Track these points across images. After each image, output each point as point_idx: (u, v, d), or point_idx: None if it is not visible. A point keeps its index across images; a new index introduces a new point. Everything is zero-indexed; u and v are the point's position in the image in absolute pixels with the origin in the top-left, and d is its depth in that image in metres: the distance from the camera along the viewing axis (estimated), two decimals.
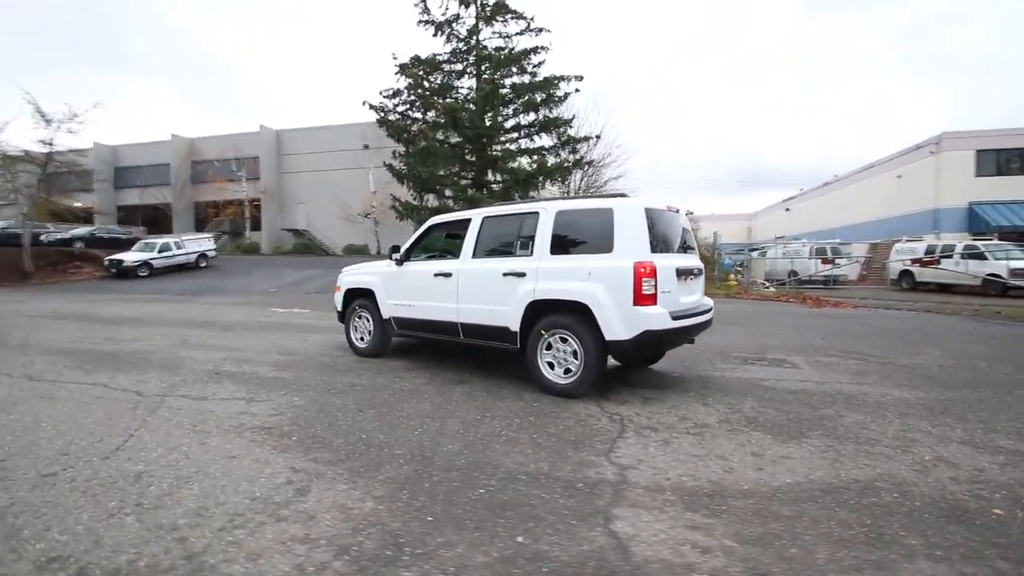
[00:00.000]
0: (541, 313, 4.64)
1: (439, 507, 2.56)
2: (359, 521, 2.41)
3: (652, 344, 4.26)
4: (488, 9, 21.39)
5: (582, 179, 26.43)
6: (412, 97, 21.27)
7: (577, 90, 21.97)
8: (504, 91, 21.03)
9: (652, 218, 4.43)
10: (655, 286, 4.21)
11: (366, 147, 35.26)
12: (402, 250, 5.86)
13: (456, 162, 22.11)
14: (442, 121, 20.45)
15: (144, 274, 22.30)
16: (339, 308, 6.65)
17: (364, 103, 21.27)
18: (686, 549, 2.21)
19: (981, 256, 18.19)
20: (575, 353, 4.47)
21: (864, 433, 3.65)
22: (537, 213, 4.84)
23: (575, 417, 3.97)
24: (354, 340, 6.44)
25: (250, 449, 3.29)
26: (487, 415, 4.02)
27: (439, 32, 22.04)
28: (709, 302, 5.22)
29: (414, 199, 22.07)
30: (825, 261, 21.75)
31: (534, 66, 21.72)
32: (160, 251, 23.26)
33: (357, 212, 34.14)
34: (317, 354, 6.49)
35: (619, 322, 4.20)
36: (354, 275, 6.55)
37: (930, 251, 19.66)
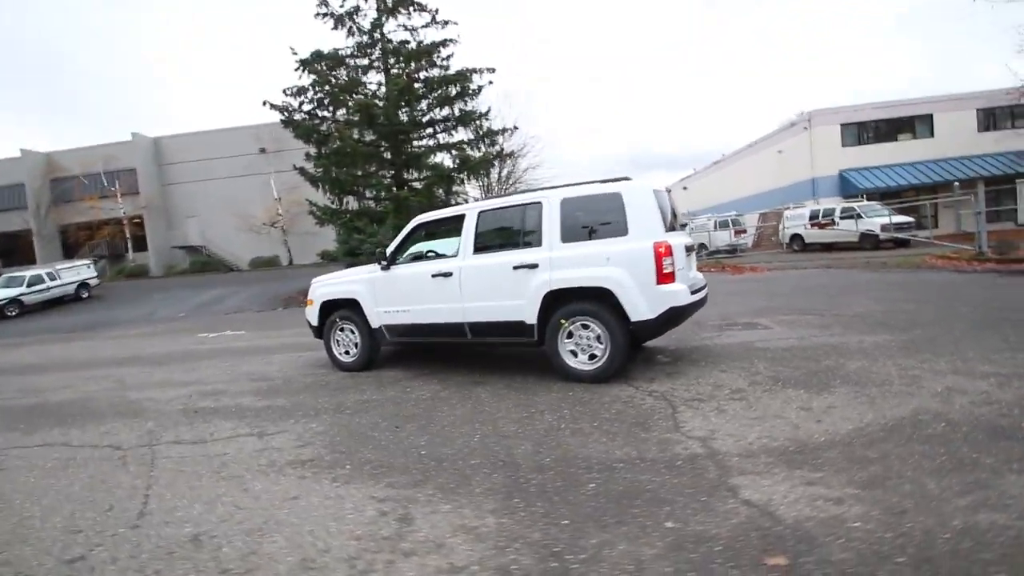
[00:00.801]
0: (558, 302, 4.60)
1: (565, 509, 2.45)
2: (496, 539, 2.25)
3: (674, 320, 4.40)
4: (390, 1, 20.63)
5: (502, 171, 26.50)
6: (319, 94, 19.98)
7: (491, 82, 21.93)
8: (418, 85, 20.46)
9: (656, 199, 4.55)
10: (673, 264, 4.35)
11: (262, 151, 32.79)
12: (388, 253, 5.50)
13: (374, 161, 21.22)
14: (356, 119, 19.45)
15: (13, 313, 19.01)
16: (314, 323, 6.12)
17: (264, 103, 19.61)
18: (821, 503, 2.32)
19: (857, 216, 20.93)
20: (599, 338, 4.49)
21: (873, 377, 4.06)
22: (540, 203, 4.77)
23: (618, 400, 4.00)
24: (338, 355, 5.97)
25: (307, 486, 2.93)
26: (532, 411, 3.92)
27: (339, 25, 20.89)
28: (703, 277, 5.50)
29: (332, 203, 20.89)
30: (738, 232, 23.77)
31: (443, 59, 21.31)
32: (30, 285, 19.94)
33: (261, 222, 31.62)
34: (297, 375, 5.93)
35: (644, 302, 4.29)
36: (330, 285, 6.06)
37: (814, 215, 22.23)
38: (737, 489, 2.51)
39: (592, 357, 4.54)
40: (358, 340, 5.79)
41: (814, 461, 2.73)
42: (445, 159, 22.19)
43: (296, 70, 19.86)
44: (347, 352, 5.92)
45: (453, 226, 5.88)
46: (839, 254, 18.69)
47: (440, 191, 22.26)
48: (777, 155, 30.62)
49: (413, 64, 20.69)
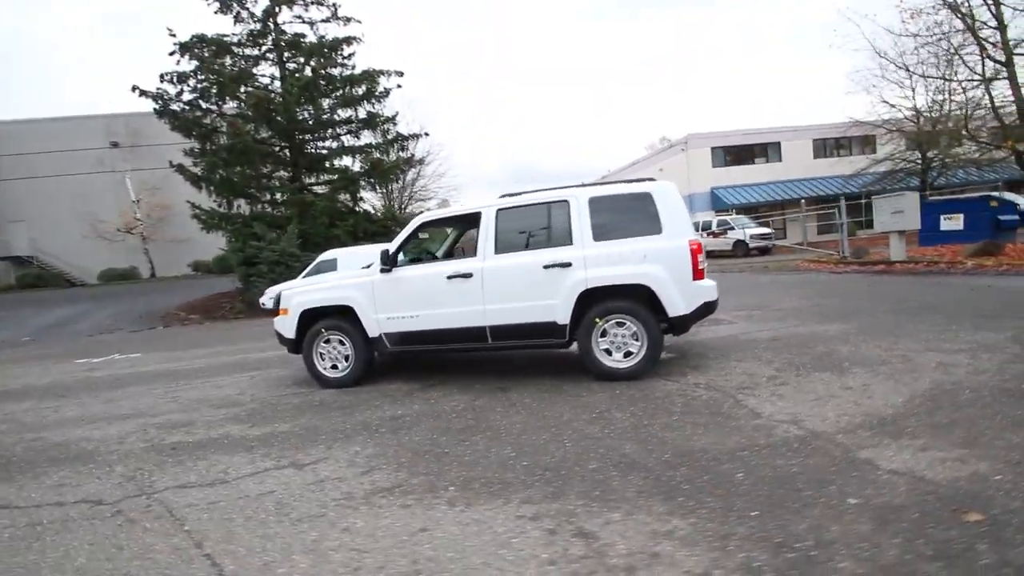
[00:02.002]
0: (589, 301, 4.54)
1: (739, 501, 2.39)
2: (707, 541, 2.11)
3: (705, 314, 4.58)
4: None
5: (407, 178, 25.69)
6: (204, 83, 17.67)
7: (399, 86, 21.32)
8: (321, 83, 19.09)
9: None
10: (703, 261, 4.55)
11: (115, 145, 28.17)
12: (389, 254, 4.98)
13: (270, 161, 19.30)
14: (250, 114, 17.51)
15: None
16: (290, 335, 5.31)
17: (134, 89, 16.86)
18: (952, 464, 2.55)
19: (730, 227, 23.87)
20: (635, 335, 4.52)
21: (870, 358, 4.60)
22: (567, 201, 4.69)
23: (673, 394, 4.05)
24: (322, 370, 5.24)
25: (424, 515, 2.50)
26: (595, 412, 3.80)
27: (226, 9, 18.81)
28: None
29: (219, 206, 18.53)
30: None
31: (345, 57, 20.15)
32: None
33: (115, 228, 27.02)
34: (271, 397, 5.09)
35: (680, 299, 4.41)
36: (313, 292, 5.31)
37: (706, 226, 24.90)
38: (873, 462, 2.66)
39: (627, 354, 4.55)
40: (350, 352, 5.15)
41: (905, 431, 3.00)
42: (351, 163, 20.97)
43: (173, 54, 17.45)
44: (334, 366, 5.23)
45: (466, 225, 5.56)
46: (719, 261, 21.09)
47: (346, 196, 21.00)
48: (659, 173, 33.78)
49: (314, 60, 19.32)
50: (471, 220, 5.23)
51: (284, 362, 6.96)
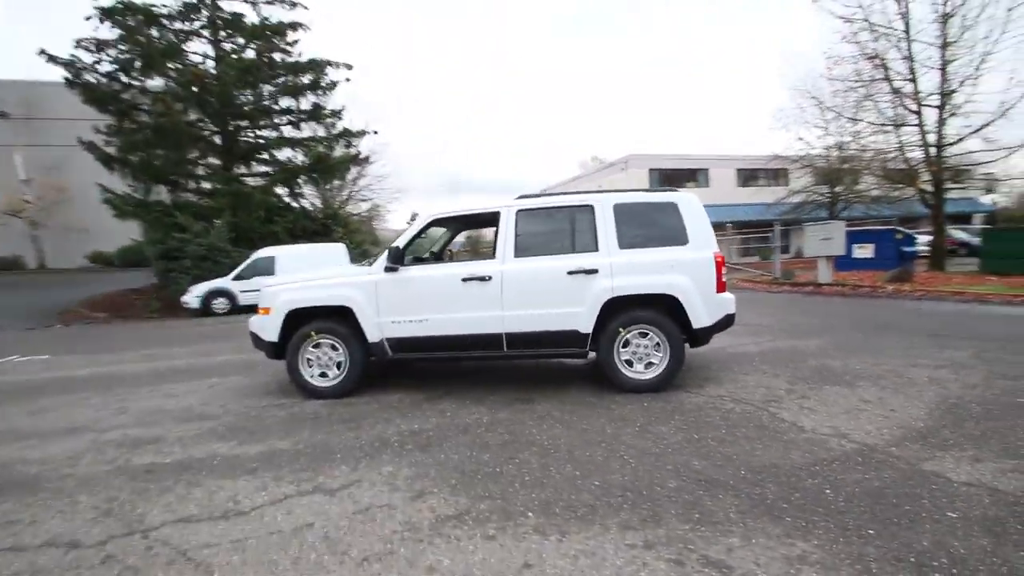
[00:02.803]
0: (612, 311, 4.40)
1: (849, 519, 2.31)
2: (848, 565, 1.99)
3: (726, 326, 4.58)
4: None
5: (350, 176, 24.47)
6: (128, 55, 15.78)
7: (348, 79, 20.44)
8: (263, 67, 17.75)
9: None
10: (725, 273, 4.56)
11: (3, 115, 24.57)
12: (394, 252, 4.53)
13: (199, 146, 17.59)
14: (181, 92, 15.86)
15: None
16: (271, 338, 4.67)
17: (41, 53, 14.71)
18: (1011, 476, 2.64)
19: None
20: (658, 346, 4.43)
21: (868, 373, 4.82)
22: (591, 207, 4.54)
23: (705, 408, 3.98)
24: (307, 379, 4.66)
25: (520, 548, 2.18)
26: (641, 424, 3.63)
27: None
28: None
29: (135, 191, 16.56)
30: None
31: (288, 44, 18.94)
32: None
33: None
34: (248, 409, 4.44)
35: (704, 310, 4.38)
36: (303, 290, 4.72)
37: None
38: (942, 475, 2.70)
39: (649, 366, 4.45)
40: (344, 358, 4.63)
41: (948, 443, 3.11)
42: (291, 155, 19.66)
43: (91, 19, 15.45)
44: (323, 374, 4.67)
45: (482, 225, 5.22)
46: None
47: (285, 190, 19.65)
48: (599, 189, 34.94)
49: (256, 43, 17.95)
50: (487, 220, 4.91)
51: (244, 368, 6.20)
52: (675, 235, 4.47)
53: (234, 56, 17.40)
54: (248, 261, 15.01)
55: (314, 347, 4.66)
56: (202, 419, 4.23)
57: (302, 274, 5.15)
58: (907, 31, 15.16)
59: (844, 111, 18.03)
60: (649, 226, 4.52)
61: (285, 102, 19.12)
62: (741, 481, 2.73)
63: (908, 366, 4.99)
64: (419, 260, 4.97)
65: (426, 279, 4.55)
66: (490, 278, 4.43)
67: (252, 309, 5.14)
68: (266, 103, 18.70)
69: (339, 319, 4.63)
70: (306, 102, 19.24)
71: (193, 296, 14.34)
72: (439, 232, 5.77)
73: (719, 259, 4.44)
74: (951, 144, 15.35)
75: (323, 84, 19.08)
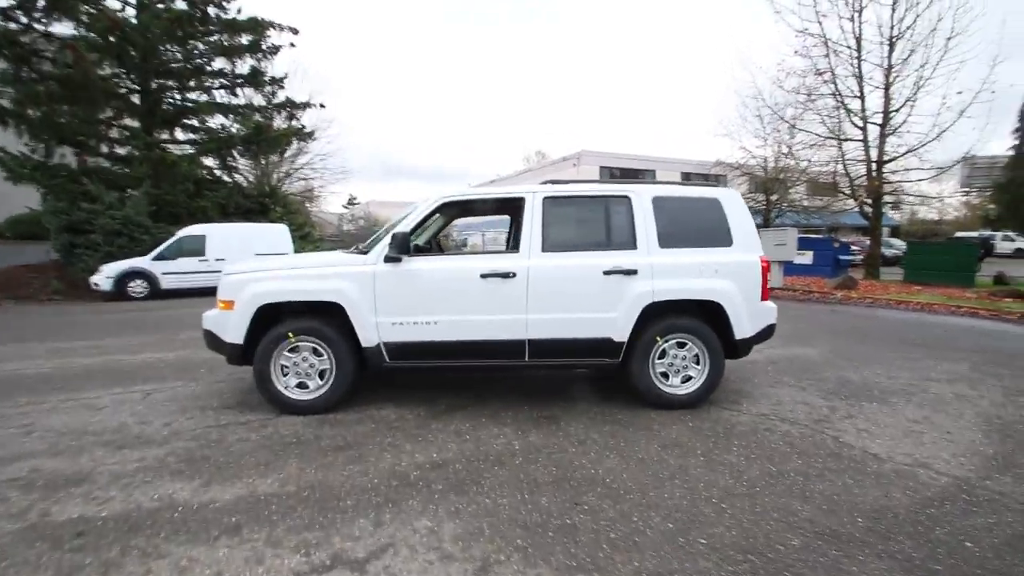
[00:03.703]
0: (649, 317, 3.89)
1: (998, 562, 1.92)
2: None
3: (766, 337, 4.19)
4: None
5: (289, 152, 22.46)
6: None
7: (292, 44, 18.63)
8: (194, 21, 15.72)
9: None
10: (770, 280, 4.18)
11: None
12: (398, 238, 3.72)
13: (115, 104, 15.32)
14: (99, 40, 13.63)
15: None
16: (235, 339, 3.74)
17: None
18: None
19: None
20: (697, 358, 3.97)
21: (891, 388, 4.64)
22: (627, 197, 3.98)
23: (762, 429, 3.57)
24: (281, 390, 3.77)
25: None
26: (702, 453, 3.14)
27: None
28: None
29: (33, 151, 14.12)
30: None
31: None
32: None
33: None
34: (211, 428, 3.50)
35: (747, 319, 3.97)
36: (280, 279, 3.79)
37: None
38: None
39: (686, 380, 3.99)
40: (329, 365, 3.79)
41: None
42: (225, 123, 17.68)
43: None
44: (302, 385, 3.81)
45: (501, 211, 4.51)
46: None
47: (216, 161, 17.68)
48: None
49: None
50: (508, 206, 4.24)
51: (182, 370, 5.13)
52: (718, 235, 4.02)
53: (160, 5, 15.25)
54: (173, 239, 13.23)
55: (291, 351, 3.78)
56: (144, 444, 3.26)
57: (273, 260, 4.22)
58: (859, 50, 15.90)
59: (787, 122, 18.75)
60: (690, 224, 4.03)
61: (219, 63, 17.15)
62: (867, 533, 2.28)
63: (923, 380, 4.88)
64: (419, 250, 4.20)
65: (437, 273, 3.80)
66: (514, 275, 3.76)
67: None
68: (198, 62, 16.66)
69: (324, 318, 3.78)
70: (244, 65, 17.36)
71: (105, 277, 12.42)
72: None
73: (765, 264, 4.04)
74: (889, 161, 16.34)
75: (264, 47, 17.28)
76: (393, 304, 3.75)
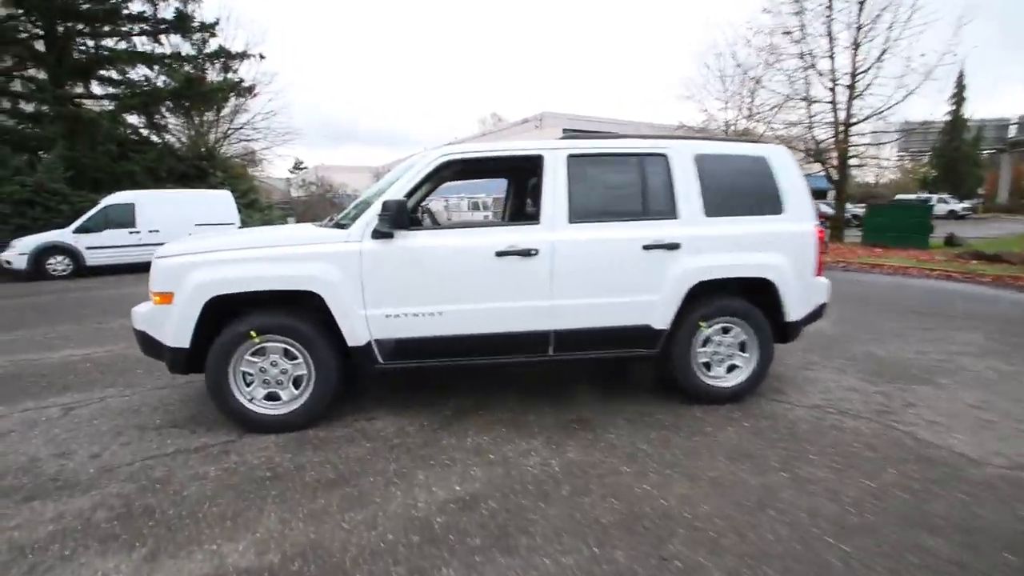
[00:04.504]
0: (693, 299, 3.30)
1: None
2: None
3: (815, 318, 3.69)
4: None
5: (227, 110, 20.29)
6: None
7: None
8: None
9: None
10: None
11: None
12: (392, 208, 2.90)
13: (14, 52, 13.11)
14: None
15: None
16: (180, 342, 2.87)
17: None
18: None
19: None
20: (743, 345, 3.44)
21: (928, 366, 4.30)
22: (664, 156, 3.30)
23: (830, 428, 3.09)
24: (245, 403, 2.96)
25: None
26: (786, 467, 2.61)
27: None
28: None
29: None
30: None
31: None
32: None
33: None
34: (156, 460, 2.67)
35: (800, 299, 3.44)
36: (236, 262, 2.90)
37: None
38: None
39: (731, 369, 3.46)
40: (307, 370, 3.00)
41: None
42: (150, 75, 15.63)
43: None
44: (272, 396, 3.01)
45: (502, 171, 3.74)
46: None
47: (143, 119, 15.71)
48: None
49: None
50: (522, 166, 3.48)
51: (114, 370, 4.20)
52: (768, 200, 3.43)
53: None
54: (97, 208, 11.59)
55: (255, 354, 2.96)
56: (63, 490, 2.42)
57: (222, 237, 3.32)
58: (830, 7, 15.54)
59: (753, 80, 18.43)
60: (736, 187, 3.42)
61: (138, 5, 14.98)
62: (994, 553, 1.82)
63: (951, 354, 4.59)
64: (415, 219, 3.41)
65: (441, 252, 3.03)
66: (536, 252, 3.05)
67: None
68: (112, 3, 14.44)
69: (297, 311, 2.98)
70: (168, 9, 15.27)
71: (17, 254, 10.76)
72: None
73: (820, 233, 3.50)
74: (857, 123, 16.36)
75: None
76: (386, 292, 2.98)
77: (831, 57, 15.89)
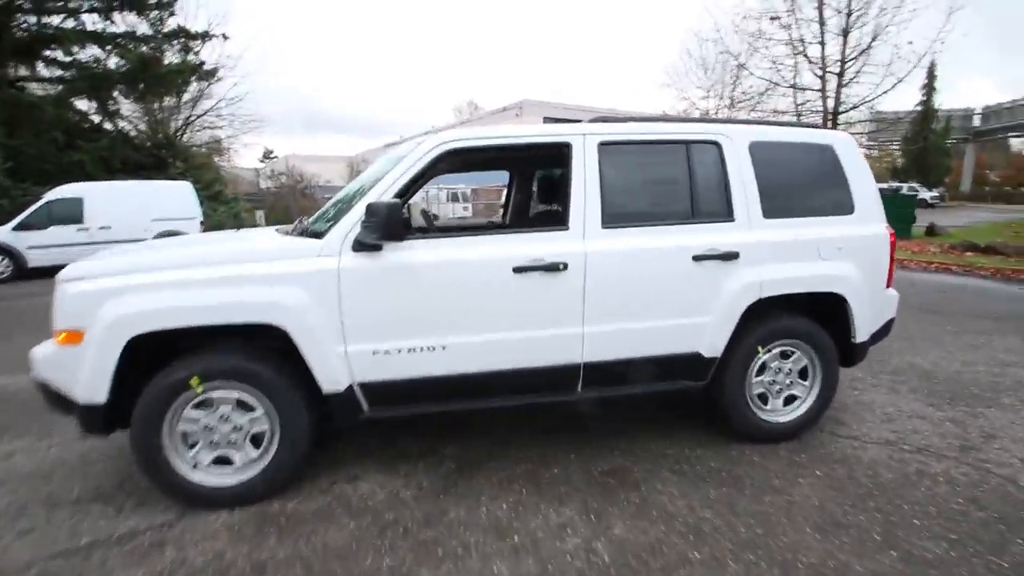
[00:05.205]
0: (750, 319, 2.70)
1: None
2: None
3: (881, 337, 3.13)
4: None
5: (188, 96, 18.92)
6: None
7: None
8: None
9: None
10: None
11: None
12: (389, 211, 2.19)
13: None
14: None
15: None
16: (95, 397, 2.13)
17: None
18: None
19: None
20: (803, 371, 2.87)
21: (981, 380, 3.85)
22: (716, 143, 2.68)
23: (919, 476, 2.54)
24: (187, 473, 2.24)
25: None
26: (899, 542, 2.06)
27: None
28: None
29: None
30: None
31: None
32: None
33: None
34: (69, 559, 1.96)
35: (870, 315, 2.89)
36: (166, 287, 2.17)
37: None
38: None
39: (789, 401, 2.89)
40: (269, 425, 2.30)
41: None
42: (99, 56, 14.34)
43: None
44: (223, 460, 2.30)
45: (516, 161, 3.08)
46: None
47: (93, 104, 14.46)
48: None
49: None
50: (537, 155, 2.81)
51: (29, 411, 3.39)
52: (836, 198, 2.85)
53: None
54: (40, 203, 10.45)
55: (199, 407, 2.25)
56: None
57: (152, 251, 2.56)
58: None
59: (740, 66, 18.00)
60: (799, 182, 2.83)
61: None
62: None
63: (999, 365, 4.15)
64: (412, 229, 2.71)
65: (444, 268, 2.35)
66: (565, 267, 2.40)
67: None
68: None
69: (254, 349, 2.27)
70: None
71: None
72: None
73: (892, 237, 2.94)
74: (847, 111, 16.09)
75: None
76: (373, 321, 2.29)
77: (821, 44, 15.54)
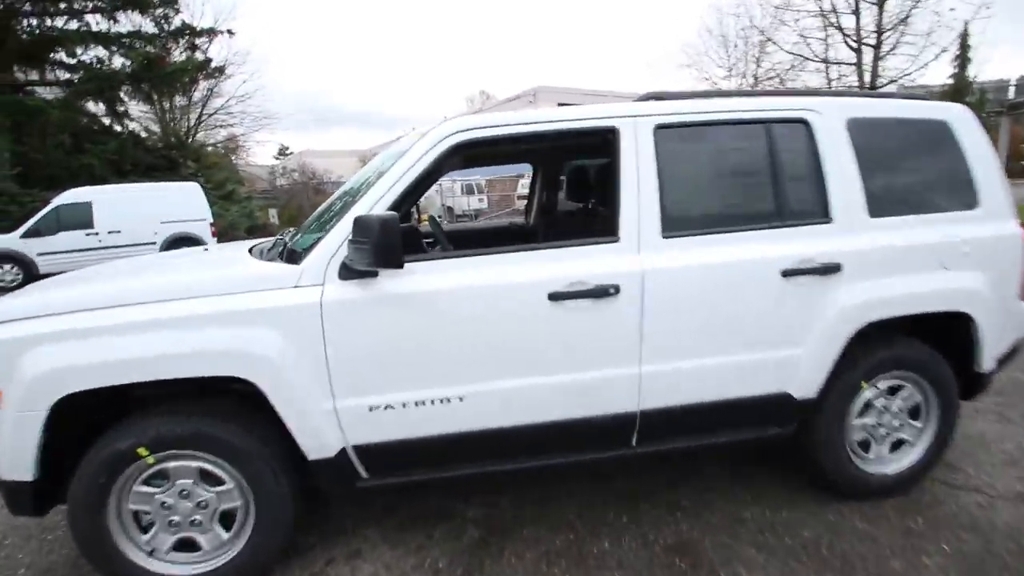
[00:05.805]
0: (851, 347, 2.11)
1: None
2: None
3: (1009, 360, 2.52)
4: None
5: (198, 95, 18.66)
6: None
7: None
8: None
9: None
10: None
11: None
12: (387, 227, 1.61)
13: None
14: None
15: None
16: (20, 475, 1.66)
17: None
18: None
19: None
20: (914, 410, 2.27)
21: None
22: (805, 122, 2.07)
23: None
24: (139, 560, 1.77)
25: None
26: None
27: None
28: None
29: None
30: (522, 197, 23.73)
31: None
32: None
33: None
34: None
35: (999, 337, 2.27)
36: (105, 331, 1.65)
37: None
38: None
39: (896, 447, 2.29)
40: (242, 502, 1.81)
41: None
42: (105, 56, 14.08)
43: None
44: (186, 544, 1.82)
45: (544, 154, 2.56)
46: None
47: (102, 106, 14.24)
48: None
49: None
50: (579, 144, 2.25)
51: None
52: (955, 189, 2.22)
53: None
54: (48, 208, 10.21)
55: (151, 481, 1.77)
56: None
57: (97, 283, 2.06)
58: None
59: (770, 41, 17.03)
60: (909, 169, 2.22)
61: None
62: None
63: None
64: (413, 242, 2.17)
65: (459, 298, 1.81)
66: (616, 291, 1.84)
67: None
68: None
69: (217, 406, 1.78)
70: None
71: None
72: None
73: None
74: (885, 86, 15.05)
75: None
76: (368, 368, 1.77)
77: (856, 13, 14.50)
